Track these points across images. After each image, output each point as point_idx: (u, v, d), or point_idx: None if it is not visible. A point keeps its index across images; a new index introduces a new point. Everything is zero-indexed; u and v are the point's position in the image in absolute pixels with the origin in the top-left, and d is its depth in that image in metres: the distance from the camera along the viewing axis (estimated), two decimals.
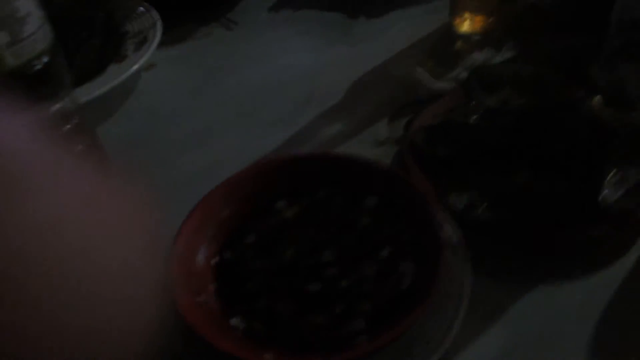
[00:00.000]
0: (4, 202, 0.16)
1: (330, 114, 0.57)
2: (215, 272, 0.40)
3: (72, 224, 0.18)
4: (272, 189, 0.43)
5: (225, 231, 0.42)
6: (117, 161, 0.51)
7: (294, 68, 0.64)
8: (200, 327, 0.35)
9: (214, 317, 0.37)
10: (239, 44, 0.70)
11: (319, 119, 0.57)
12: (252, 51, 0.68)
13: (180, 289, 0.37)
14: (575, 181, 0.41)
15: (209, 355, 0.34)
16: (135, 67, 0.61)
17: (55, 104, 0.45)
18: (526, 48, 0.58)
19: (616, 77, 0.46)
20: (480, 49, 0.62)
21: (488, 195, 0.41)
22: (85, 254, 0.18)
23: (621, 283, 0.41)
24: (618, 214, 0.40)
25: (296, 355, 0.35)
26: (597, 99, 0.45)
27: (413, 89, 0.58)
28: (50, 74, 0.43)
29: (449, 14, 0.66)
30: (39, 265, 0.17)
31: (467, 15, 0.65)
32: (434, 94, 0.56)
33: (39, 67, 0.42)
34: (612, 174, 0.41)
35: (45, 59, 0.42)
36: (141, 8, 0.70)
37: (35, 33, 0.41)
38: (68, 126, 0.45)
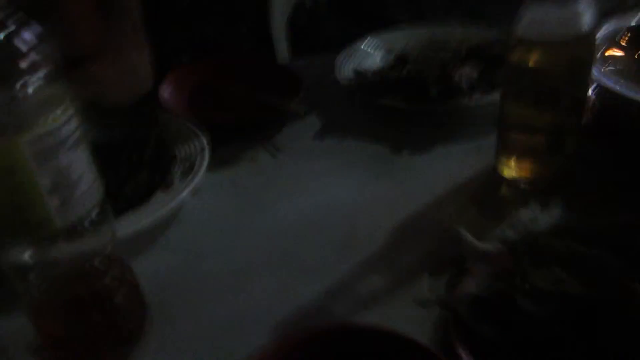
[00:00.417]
0: None
1: (368, 265, 0.56)
2: None
3: None
4: None
5: None
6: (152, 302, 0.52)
7: (334, 205, 0.64)
8: None
9: None
10: (282, 175, 0.70)
11: (356, 269, 0.56)
12: (294, 184, 0.68)
13: None
14: None
15: None
16: (181, 196, 0.62)
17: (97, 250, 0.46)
18: (578, 214, 0.57)
19: None
20: (525, 201, 0.61)
21: None
22: None
23: None
24: None
25: None
26: None
27: (455, 242, 0.57)
28: (97, 229, 0.44)
29: (495, 155, 0.66)
30: None
31: (513, 159, 0.65)
32: (477, 253, 0.54)
33: (86, 224, 0.42)
34: None
35: (93, 214, 0.43)
36: (191, 129, 0.72)
37: (86, 192, 0.42)
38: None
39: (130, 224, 0.58)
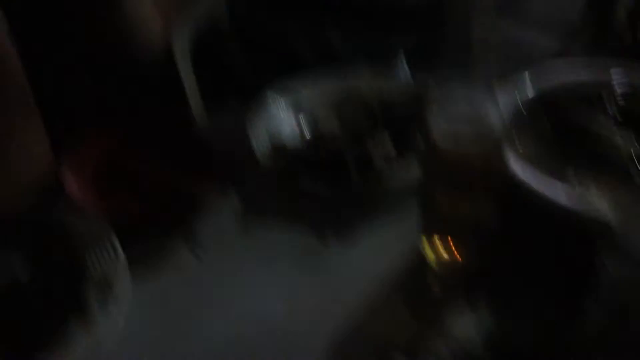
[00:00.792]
0: None
1: None
2: None
3: None
4: None
5: None
6: None
7: (263, 318, 0.62)
8: None
9: None
10: (205, 282, 0.67)
11: None
12: (221, 292, 0.66)
13: None
14: None
15: None
16: (102, 333, 0.58)
17: None
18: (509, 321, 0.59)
19: None
20: (455, 297, 0.62)
21: None
22: None
23: None
24: None
25: None
26: None
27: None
28: None
29: (419, 237, 0.66)
30: None
31: (436, 239, 0.65)
32: None
33: None
34: None
35: None
36: (102, 233, 0.67)
37: None
38: None
39: None
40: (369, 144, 0.76)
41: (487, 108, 0.58)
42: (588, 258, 0.61)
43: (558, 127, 0.67)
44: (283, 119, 0.84)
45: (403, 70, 0.93)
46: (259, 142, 0.79)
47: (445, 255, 0.65)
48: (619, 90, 0.69)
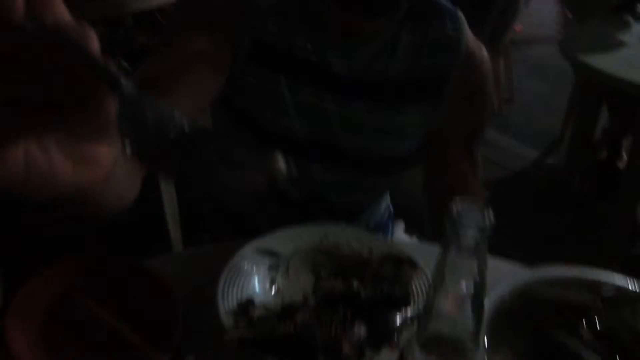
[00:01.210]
0: None
1: None
2: None
3: None
4: None
5: None
6: None
7: None
8: None
9: None
10: None
11: None
12: None
13: None
14: None
15: None
16: None
17: None
18: None
19: None
20: None
21: None
22: None
23: None
24: None
25: None
26: None
27: None
28: None
29: None
30: None
31: None
32: None
33: None
34: None
35: None
36: None
37: None
38: None
39: None
40: (339, 329, 0.71)
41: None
42: None
43: (533, 342, 0.62)
44: (256, 279, 0.80)
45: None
46: (227, 306, 0.74)
47: None
48: (600, 315, 0.65)
